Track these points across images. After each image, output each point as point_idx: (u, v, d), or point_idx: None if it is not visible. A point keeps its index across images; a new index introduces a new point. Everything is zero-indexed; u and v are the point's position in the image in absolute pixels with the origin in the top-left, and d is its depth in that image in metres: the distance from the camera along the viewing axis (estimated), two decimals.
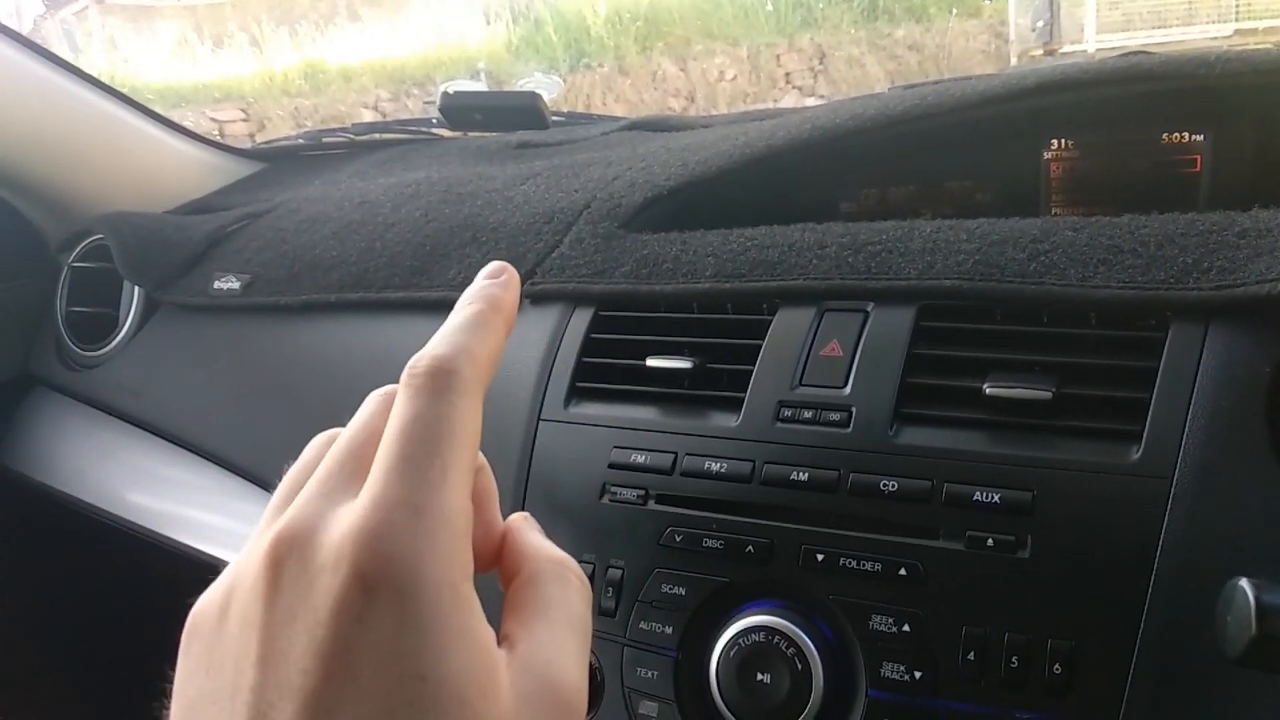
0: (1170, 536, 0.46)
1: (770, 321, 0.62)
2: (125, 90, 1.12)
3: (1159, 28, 6.71)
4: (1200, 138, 0.70)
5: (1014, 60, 7.00)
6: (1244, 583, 0.38)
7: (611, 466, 0.61)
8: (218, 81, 7.65)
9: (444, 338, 0.30)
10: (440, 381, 0.28)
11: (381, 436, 0.28)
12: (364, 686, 0.24)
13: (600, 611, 0.58)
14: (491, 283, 0.33)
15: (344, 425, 0.31)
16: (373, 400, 0.31)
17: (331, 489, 0.28)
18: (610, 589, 0.58)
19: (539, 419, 0.66)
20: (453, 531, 0.26)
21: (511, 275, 0.33)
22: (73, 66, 1.05)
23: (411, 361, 0.29)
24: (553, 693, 0.27)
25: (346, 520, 0.26)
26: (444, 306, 0.77)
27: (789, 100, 7.49)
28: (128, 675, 1.22)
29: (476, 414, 0.29)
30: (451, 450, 0.27)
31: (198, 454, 0.94)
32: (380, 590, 0.24)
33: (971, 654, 0.48)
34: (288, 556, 0.26)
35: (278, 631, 0.25)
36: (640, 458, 0.60)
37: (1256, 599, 0.37)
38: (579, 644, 0.29)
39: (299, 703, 0.24)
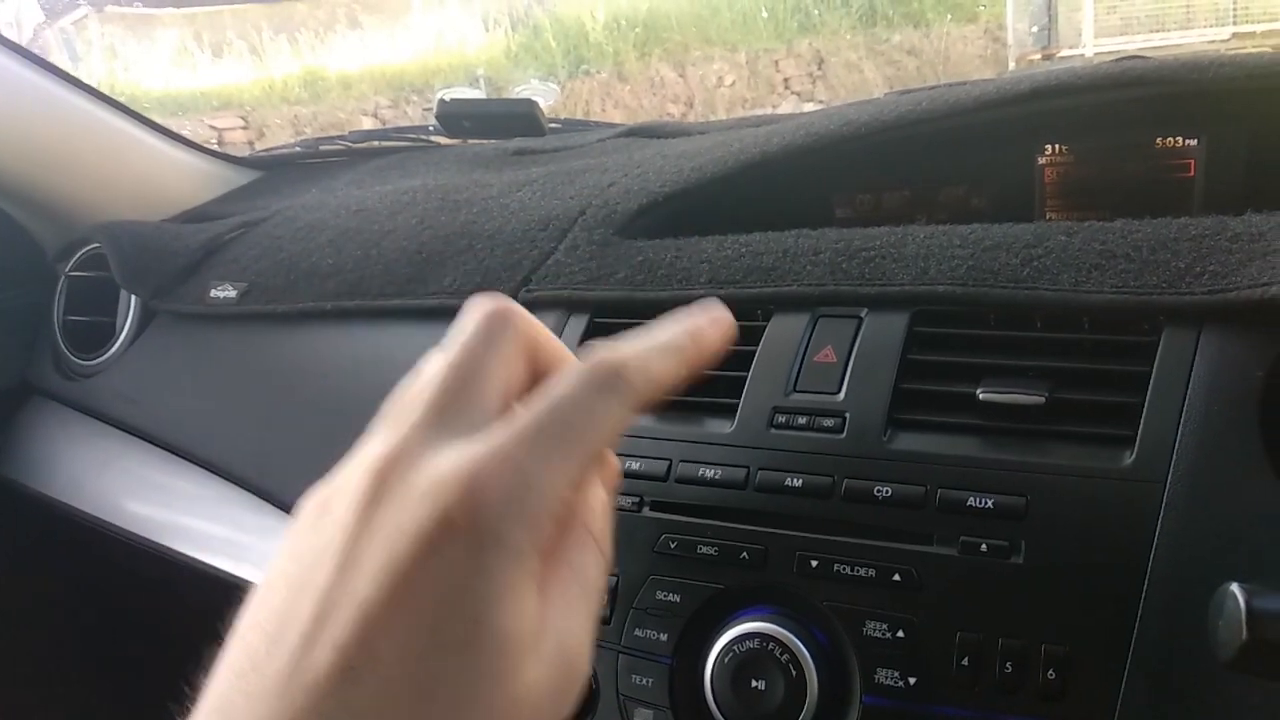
0: (1163, 541, 0.46)
1: (765, 327, 0.62)
2: (125, 98, 1.12)
3: (1156, 31, 6.71)
4: (1194, 142, 0.70)
5: (1011, 65, 7.00)
6: (1235, 588, 0.38)
7: None
8: (217, 89, 7.65)
9: (637, 346, 0.32)
10: (610, 381, 0.30)
11: (487, 368, 0.30)
12: (422, 612, 0.25)
13: None
14: (709, 322, 0.34)
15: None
16: (476, 320, 0.32)
17: (443, 420, 0.29)
18: (605, 596, 0.58)
19: None
20: (548, 511, 0.27)
21: (728, 323, 0.35)
22: (69, 75, 1.05)
23: (600, 353, 0.30)
24: (564, 658, 0.28)
25: (456, 458, 0.27)
26: (440, 313, 0.78)
27: (787, 106, 7.49)
28: (126, 684, 1.22)
29: (626, 423, 0.30)
30: (586, 443, 0.29)
31: (195, 463, 0.94)
32: (462, 531, 0.26)
33: (965, 659, 0.48)
34: (390, 474, 0.28)
35: (361, 539, 0.27)
36: (634, 464, 0.59)
37: (1247, 604, 0.37)
38: (592, 612, 0.30)
39: (359, 610, 0.25)
